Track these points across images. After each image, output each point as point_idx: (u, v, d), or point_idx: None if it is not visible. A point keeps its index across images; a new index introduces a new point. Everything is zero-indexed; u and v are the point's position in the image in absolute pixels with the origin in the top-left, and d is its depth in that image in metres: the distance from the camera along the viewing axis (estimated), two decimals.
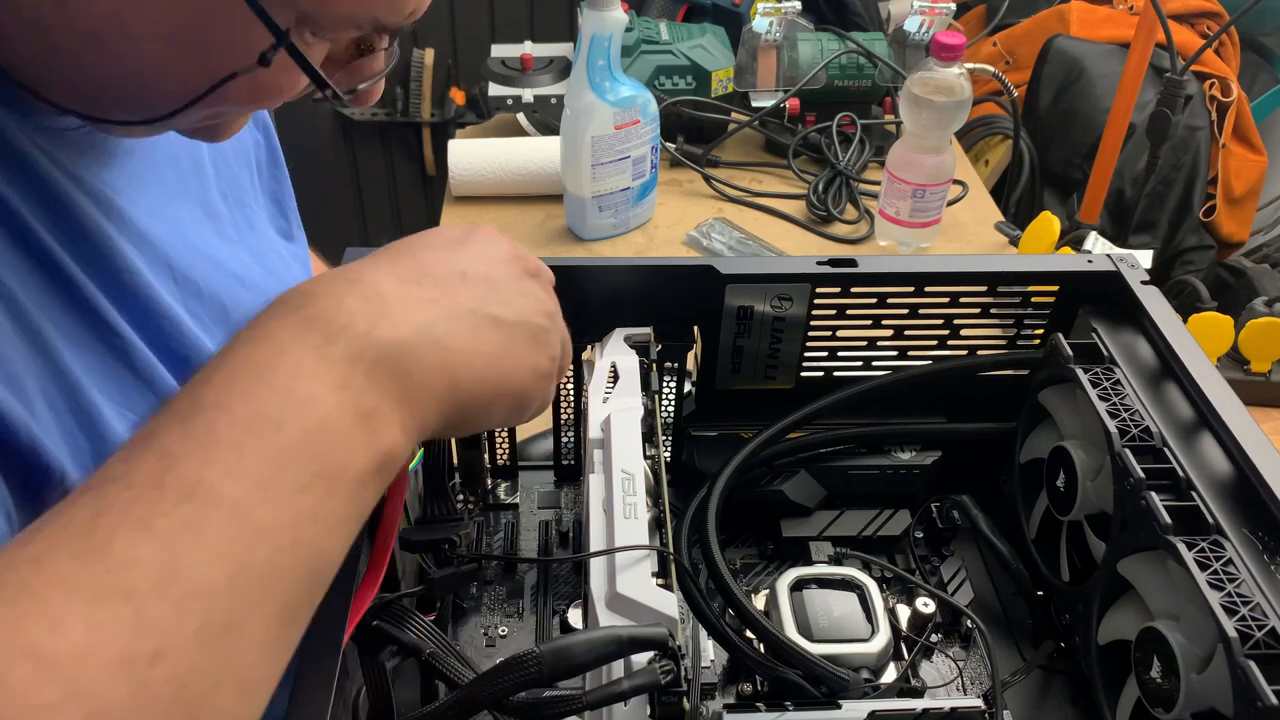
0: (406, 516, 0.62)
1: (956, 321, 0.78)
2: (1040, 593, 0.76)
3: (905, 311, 0.78)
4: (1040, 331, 0.79)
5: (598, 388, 0.69)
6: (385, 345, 0.45)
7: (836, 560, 0.78)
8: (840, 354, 0.80)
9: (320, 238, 2.98)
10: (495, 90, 1.53)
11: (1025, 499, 0.79)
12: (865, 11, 1.64)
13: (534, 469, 0.86)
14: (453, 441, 0.80)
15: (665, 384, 0.79)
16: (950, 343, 0.79)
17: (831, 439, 0.81)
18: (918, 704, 0.60)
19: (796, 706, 0.60)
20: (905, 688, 0.68)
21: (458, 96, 2.39)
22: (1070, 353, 0.71)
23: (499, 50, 1.59)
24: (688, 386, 0.81)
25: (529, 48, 1.58)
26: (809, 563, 0.78)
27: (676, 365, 0.78)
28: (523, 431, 0.85)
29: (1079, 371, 0.69)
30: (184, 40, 0.45)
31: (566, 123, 1.28)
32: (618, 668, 0.51)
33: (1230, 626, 0.52)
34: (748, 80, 1.51)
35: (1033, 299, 0.78)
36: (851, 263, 0.75)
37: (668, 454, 0.81)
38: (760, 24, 1.47)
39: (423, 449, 0.66)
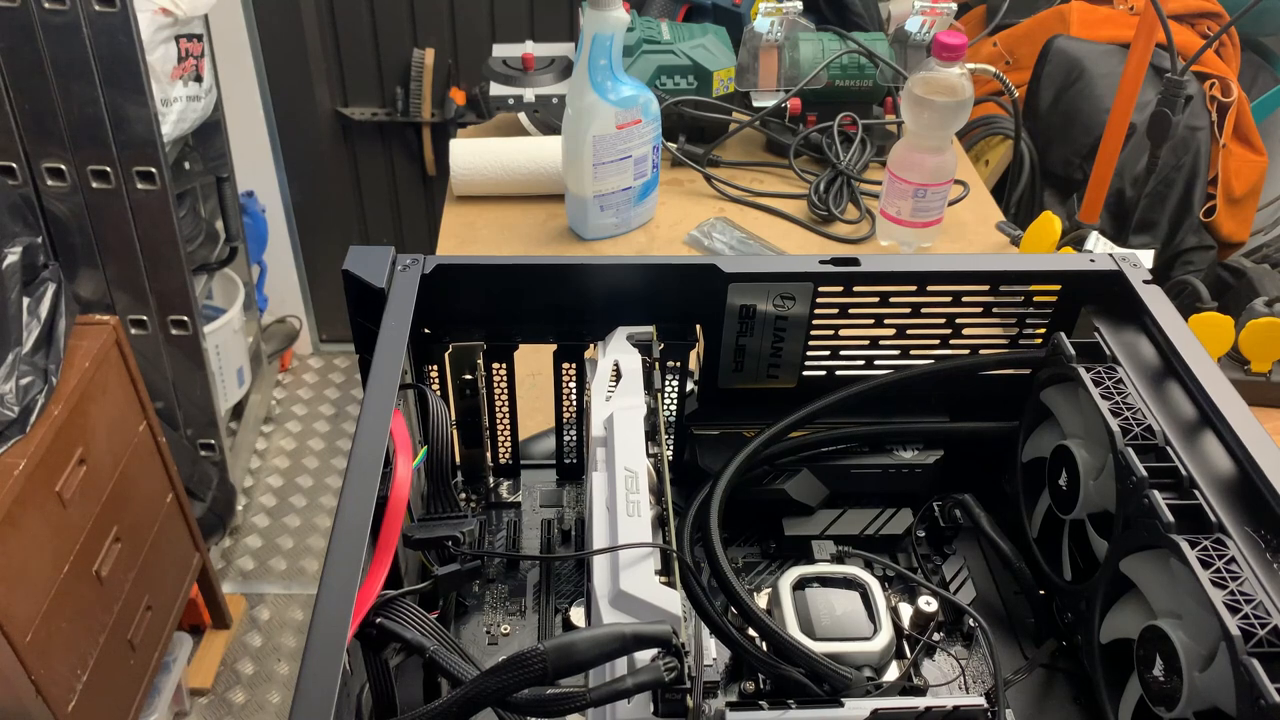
0: (409, 515, 0.62)
1: (959, 321, 0.78)
2: (1042, 591, 0.76)
3: (908, 311, 0.78)
4: (1042, 331, 0.79)
5: (600, 386, 0.69)
6: None
7: (839, 559, 0.78)
8: (842, 353, 0.80)
9: (320, 238, 3.02)
10: (497, 90, 1.53)
11: (1027, 498, 0.79)
12: (866, 12, 1.64)
13: (536, 467, 0.86)
14: (455, 440, 0.80)
15: (667, 383, 0.79)
16: (952, 342, 0.80)
17: (834, 438, 0.81)
18: (920, 702, 0.60)
19: (799, 704, 0.60)
20: (908, 686, 0.68)
21: (458, 96, 2.39)
22: (1072, 352, 0.71)
23: (500, 50, 1.59)
24: (690, 385, 0.81)
25: (530, 47, 1.58)
26: (811, 561, 0.78)
27: (679, 364, 0.78)
28: (525, 430, 0.85)
29: (1081, 370, 0.69)
30: None
31: (568, 122, 1.28)
32: (621, 665, 0.51)
33: (1233, 624, 0.52)
34: (749, 80, 1.51)
35: (1035, 298, 0.78)
36: (854, 262, 0.75)
37: (670, 453, 0.81)
38: (761, 24, 1.47)
39: (425, 447, 0.66)
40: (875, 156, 1.52)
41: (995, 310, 0.79)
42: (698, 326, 0.77)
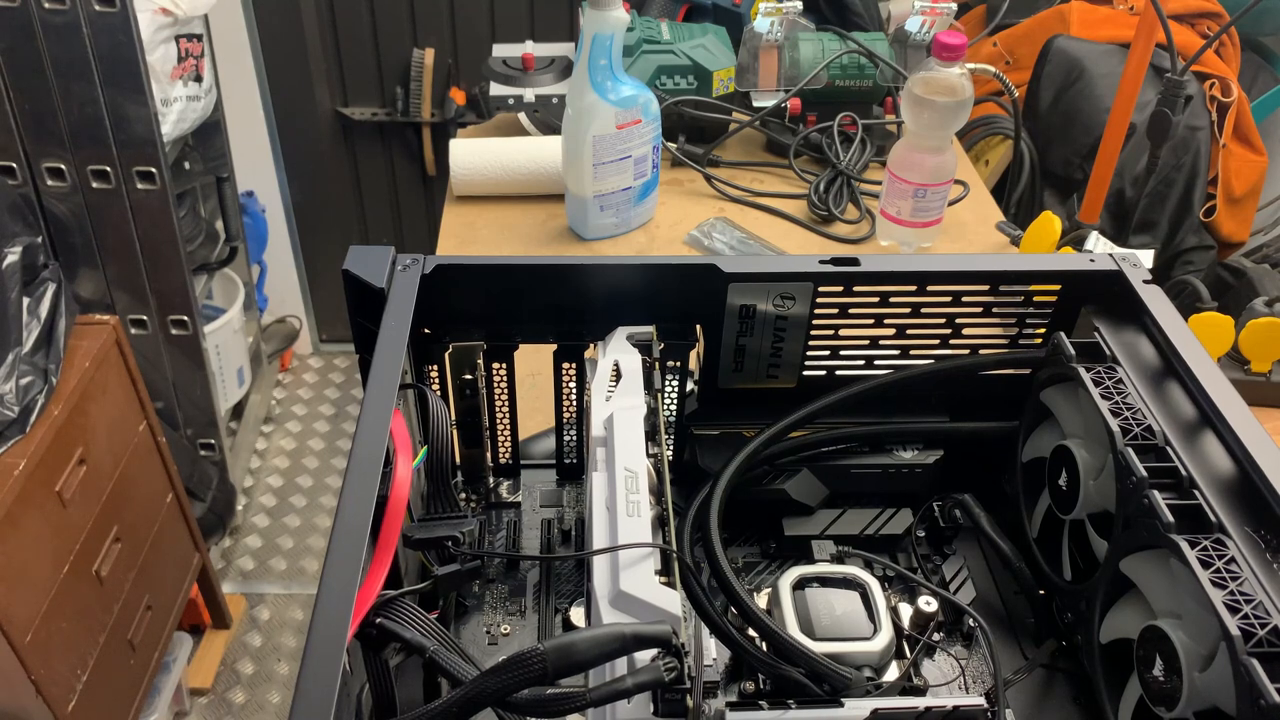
0: (409, 515, 0.62)
1: (959, 321, 0.78)
2: (1042, 591, 0.76)
3: (907, 310, 0.78)
4: (1042, 331, 0.79)
5: (600, 386, 0.69)
6: None
7: (839, 559, 0.78)
8: (842, 353, 0.80)
9: (320, 238, 3.02)
10: (497, 90, 1.53)
11: (1027, 498, 0.79)
12: (866, 11, 1.64)
13: (536, 467, 0.86)
14: (455, 440, 0.80)
15: (667, 383, 0.79)
16: (952, 342, 0.80)
17: (834, 438, 0.81)
18: (920, 702, 0.60)
19: (799, 705, 0.60)
20: (907, 686, 0.68)
21: (458, 96, 2.39)
22: (1072, 352, 0.71)
23: (500, 50, 1.59)
24: (690, 385, 0.81)
25: (530, 47, 1.58)
26: (811, 561, 0.78)
27: (679, 364, 0.78)
28: (525, 430, 0.85)
29: (1081, 370, 0.69)
30: None
31: (568, 122, 1.28)
32: (621, 665, 0.51)
33: (1233, 624, 0.52)
34: (749, 80, 1.51)
35: (1035, 298, 0.78)
36: (854, 261, 0.75)
37: (670, 453, 0.81)
38: (761, 24, 1.47)
39: (425, 447, 0.66)
40: (875, 156, 1.52)
41: (995, 310, 0.79)
42: (698, 326, 0.77)
